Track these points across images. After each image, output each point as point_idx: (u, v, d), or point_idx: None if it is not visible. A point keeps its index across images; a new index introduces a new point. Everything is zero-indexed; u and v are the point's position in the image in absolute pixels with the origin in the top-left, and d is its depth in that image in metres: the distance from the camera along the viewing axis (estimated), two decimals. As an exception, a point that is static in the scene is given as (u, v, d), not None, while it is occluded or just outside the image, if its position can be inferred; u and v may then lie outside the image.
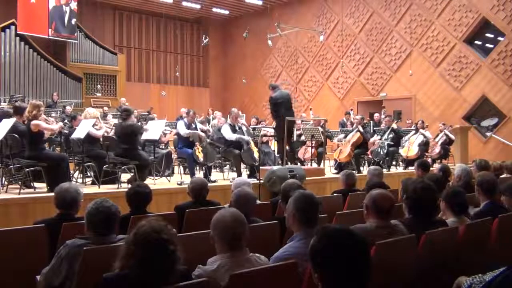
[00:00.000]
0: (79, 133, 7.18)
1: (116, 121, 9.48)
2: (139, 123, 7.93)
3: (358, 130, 9.68)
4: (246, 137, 8.31)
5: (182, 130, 8.02)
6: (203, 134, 8.05)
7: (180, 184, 7.22)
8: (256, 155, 8.17)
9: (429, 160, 10.74)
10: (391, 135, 10.49)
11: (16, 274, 3.15)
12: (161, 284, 1.99)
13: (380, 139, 10.54)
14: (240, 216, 2.53)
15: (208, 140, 8.10)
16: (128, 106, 8.61)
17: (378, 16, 16.11)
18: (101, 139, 7.50)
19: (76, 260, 2.68)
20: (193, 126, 8.19)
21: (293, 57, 18.68)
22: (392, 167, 10.72)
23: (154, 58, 20.23)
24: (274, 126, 9.96)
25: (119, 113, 12.71)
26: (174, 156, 8.98)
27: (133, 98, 17.53)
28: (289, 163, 8.62)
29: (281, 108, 8.45)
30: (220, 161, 8.87)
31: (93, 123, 7.37)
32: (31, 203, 5.60)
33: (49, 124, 6.47)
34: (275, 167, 7.62)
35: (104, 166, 6.89)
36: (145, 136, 7.76)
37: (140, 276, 1.97)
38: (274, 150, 10.35)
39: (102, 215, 2.79)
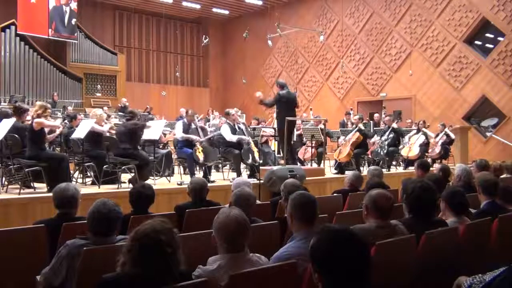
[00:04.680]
0: (79, 132, 7.18)
1: (117, 121, 9.49)
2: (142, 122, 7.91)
3: (358, 130, 9.67)
4: (246, 137, 8.28)
5: (179, 133, 8.00)
6: (198, 138, 7.96)
7: (180, 184, 7.22)
8: (256, 155, 8.16)
9: (429, 160, 10.74)
10: (391, 135, 10.49)
11: (16, 274, 3.15)
12: (160, 284, 1.98)
13: (380, 139, 10.54)
14: (244, 218, 2.52)
15: (204, 141, 8.05)
16: (133, 109, 8.61)
17: (378, 16, 16.11)
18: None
19: (76, 260, 2.68)
20: (193, 126, 8.16)
21: (293, 57, 18.68)
22: (392, 167, 10.72)
23: (154, 58, 20.24)
24: (274, 126, 9.96)
25: (120, 113, 12.77)
26: (174, 156, 8.98)
27: (133, 98, 17.57)
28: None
29: (283, 107, 8.44)
30: (220, 161, 8.86)
31: (95, 122, 7.37)
32: (31, 203, 5.59)
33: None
34: (275, 167, 7.62)
35: (104, 166, 6.88)
36: (145, 136, 7.75)
37: (138, 276, 1.97)
38: (274, 150, 10.36)
39: (103, 216, 2.78)
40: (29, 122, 6.30)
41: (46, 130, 6.46)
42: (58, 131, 7.32)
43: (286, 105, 8.46)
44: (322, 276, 1.64)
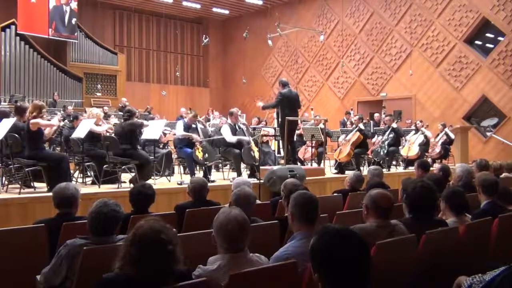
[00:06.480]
0: (79, 132, 7.18)
1: (117, 121, 9.47)
2: (140, 121, 7.90)
3: (358, 129, 9.68)
4: (246, 138, 8.28)
5: (179, 131, 8.00)
6: (198, 138, 7.96)
7: (180, 184, 7.22)
8: (256, 155, 8.16)
9: (429, 160, 10.74)
10: (391, 135, 10.49)
11: (16, 274, 3.15)
12: (160, 284, 1.98)
13: (381, 138, 10.54)
14: (244, 218, 2.51)
15: (204, 141, 8.04)
16: (131, 107, 8.59)
17: (378, 16, 16.11)
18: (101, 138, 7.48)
19: (76, 260, 2.67)
20: (193, 127, 8.15)
21: (293, 57, 18.67)
22: (392, 167, 10.72)
23: (154, 58, 20.24)
24: (275, 126, 9.96)
25: (120, 113, 12.76)
26: (174, 156, 8.97)
27: (133, 98, 17.57)
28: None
29: (284, 107, 8.42)
30: (220, 160, 8.86)
31: (94, 122, 7.36)
32: (31, 203, 5.59)
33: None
34: (275, 167, 7.62)
35: (104, 166, 6.88)
36: (145, 135, 7.74)
37: (138, 276, 1.97)
38: (274, 150, 10.35)
39: (104, 216, 2.78)
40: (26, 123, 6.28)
41: (45, 130, 6.43)
42: (54, 129, 7.29)
43: (287, 104, 8.43)
44: (322, 276, 1.64)
